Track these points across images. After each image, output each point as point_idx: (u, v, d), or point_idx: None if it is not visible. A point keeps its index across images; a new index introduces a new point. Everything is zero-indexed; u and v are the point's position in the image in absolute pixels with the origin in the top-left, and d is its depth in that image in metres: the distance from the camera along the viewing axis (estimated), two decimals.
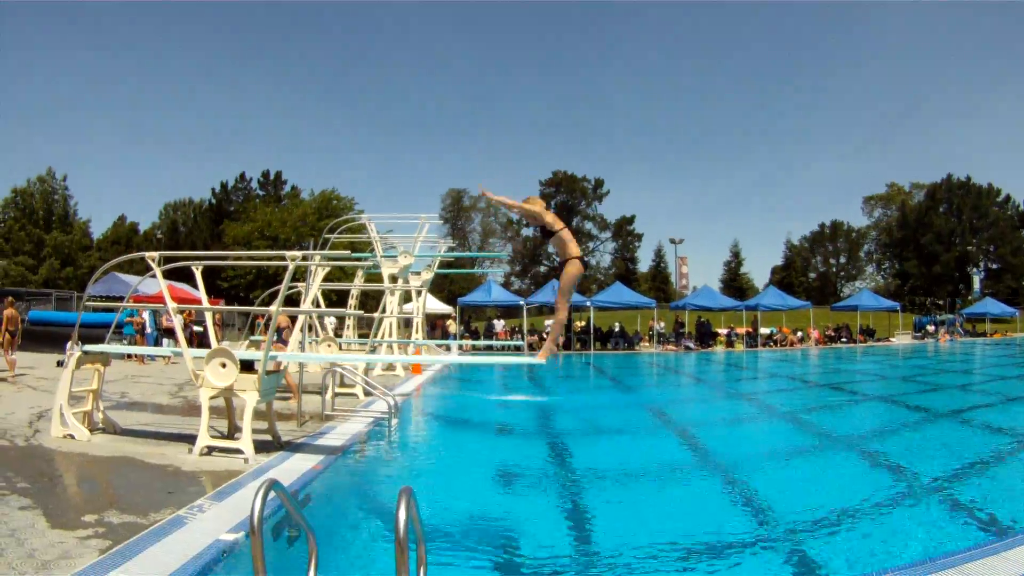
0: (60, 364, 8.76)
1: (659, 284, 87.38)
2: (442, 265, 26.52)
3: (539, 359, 6.79)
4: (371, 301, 26.44)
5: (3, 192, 65.73)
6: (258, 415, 8.01)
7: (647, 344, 38.60)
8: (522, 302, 37.47)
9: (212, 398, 7.68)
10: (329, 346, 13.81)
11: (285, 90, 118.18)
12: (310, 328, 13.63)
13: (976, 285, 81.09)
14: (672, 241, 63.80)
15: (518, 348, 32.51)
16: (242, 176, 74.72)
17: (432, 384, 17.42)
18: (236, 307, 30.55)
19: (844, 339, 42.54)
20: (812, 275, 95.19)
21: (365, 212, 28.86)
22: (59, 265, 60.34)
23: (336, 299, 33.95)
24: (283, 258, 7.88)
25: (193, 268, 8.75)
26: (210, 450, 7.51)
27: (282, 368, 8.75)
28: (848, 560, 4.74)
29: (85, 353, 8.54)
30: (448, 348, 28.53)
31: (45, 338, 21.42)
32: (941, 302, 74.90)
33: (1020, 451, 9.15)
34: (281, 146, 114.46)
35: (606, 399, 16.66)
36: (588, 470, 8.03)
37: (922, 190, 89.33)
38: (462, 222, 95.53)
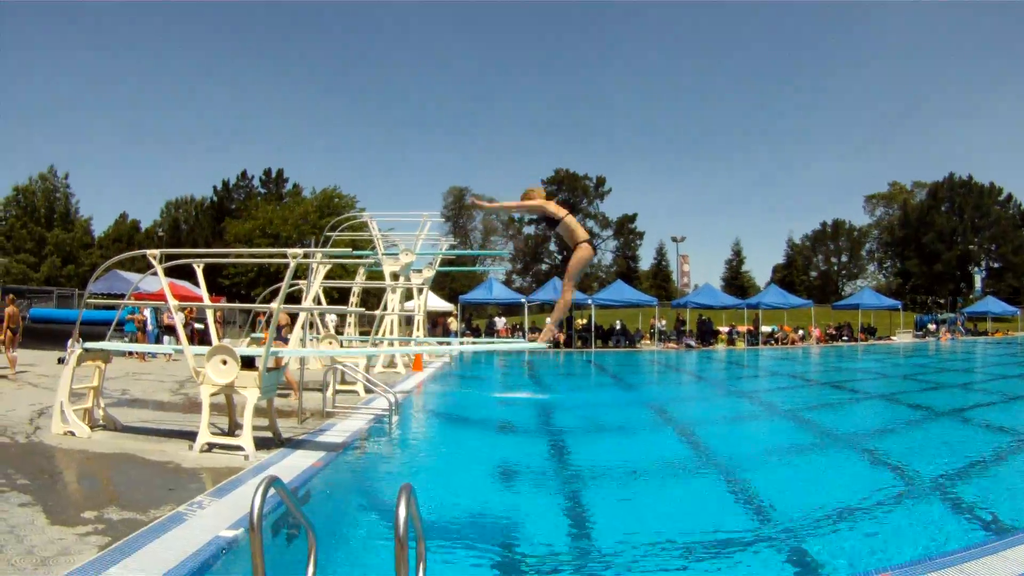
0: (61, 361, 8.77)
1: (660, 282, 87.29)
2: (443, 263, 26.55)
3: (539, 340, 6.75)
4: (372, 299, 26.47)
5: (5, 190, 65.75)
6: (259, 412, 8.00)
7: (648, 342, 38.61)
8: (523, 300, 37.48)
9: (213, 395, 7.68)
10: (330, 343, 13.80)
11: (287, 88, 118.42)
12: (311, 326, 13.62)
13: (977, 284, 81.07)
14: (674, 239, 63.71)
15: None
16: (244, 174, 74.81)
17: (433, 381, 17.42)
18: (237, 304, 30.49)
19: (845, 338, 42.53)
20: (813, 274, 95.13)
21: (367, 210, 28.81)
22: (60, 263, 60.33)
23: (337, 297, 33.98)
24: (285, 255, 7.88)
25: (194, 266, 8.74)
26: (210, 447, 7.51)
27: (283, 364, 8.75)
28: (848, 558, 4.74)
29: (86, 350, 8.53)
30: (449, 345, 28.55)
31: (46, 335, 21.42)
32: (942, 301, 74.80)
33: (1020, 450, 9.14)
34: (283, 144, 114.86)
35: (607, 397, 16.66)
36: (588, 468, 8.03)
37: (924, 189, 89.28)
38: (464, 220, 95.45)
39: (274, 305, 8.11)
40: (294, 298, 15.40)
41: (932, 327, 47.82)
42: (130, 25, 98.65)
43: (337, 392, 11.72)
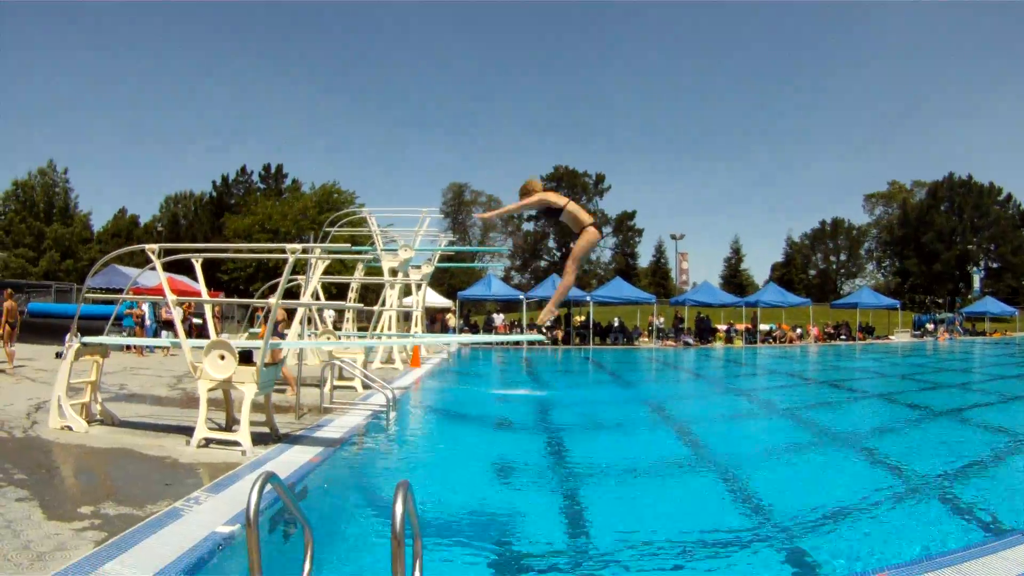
0: (59, 356, 8.75)
1: (659, 280, 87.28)
2: (442, 259, 26.52)
3: (539, 321, 6.71)
4: (371, 294, 26.48)
5: (4, 184, 65.53)
6: (256, 407, 8.00)
7: (646, 339, 38.62)
8: (522, 296, 37.51)
9: (210, 390, 7.67)
10: (328, 339, 13.80)
11: (286, 84, 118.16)
12: (309, 321, 13.61)
13: (976, 284, 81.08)
14: (673, 237, 63.88)
15: (517, 342, 32.63)
16: (243, 169, 74.68)
17: (431, 377, 17.41)
18: (236, 299, 30.51)
19: (843, 336, 42.56)
20: (812, 272, 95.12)
21: (366, 206, 28.82)
22: (59, 257, 60.27)
23: (336, 292, 33.95)
24: (283, 251, 7.87)
25: (193, 261, 8.74)
26: (208, 442, 7.50)
27: (282, 357, 8.75)
28: (846, 558, 4.74)
29: (84, 345, 8.53)
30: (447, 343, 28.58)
31: (44, 330, 21.41)
32: (941, 300, 74.93)
33: (1018, 450, 9.14)
34: (282, 139, 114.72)
35: (605, 394, 16.66)
36: (586, 465, 8.03)
37: (923, 188, 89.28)
38: (463, 216, 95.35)
39: (272, 300, 8.10)
40: (293, 293, 15.39)
41: (930, 327, 47.89)
42: (130, 22, 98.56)
43: (335, 388, 11.72)
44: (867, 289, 58.15)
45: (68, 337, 8.50)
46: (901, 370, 23.53)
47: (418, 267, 22.44)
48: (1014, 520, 5.58)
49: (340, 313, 23.46)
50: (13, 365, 14.54)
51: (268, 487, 3.21)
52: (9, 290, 16.35)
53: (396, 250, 20.05)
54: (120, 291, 19.06)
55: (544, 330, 36.39)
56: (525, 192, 6.04)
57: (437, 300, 40.16)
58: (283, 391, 12.01)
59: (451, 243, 33.28)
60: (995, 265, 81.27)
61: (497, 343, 33.15)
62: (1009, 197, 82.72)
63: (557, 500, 6.44)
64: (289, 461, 6.81)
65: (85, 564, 3.87)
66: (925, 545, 4.95)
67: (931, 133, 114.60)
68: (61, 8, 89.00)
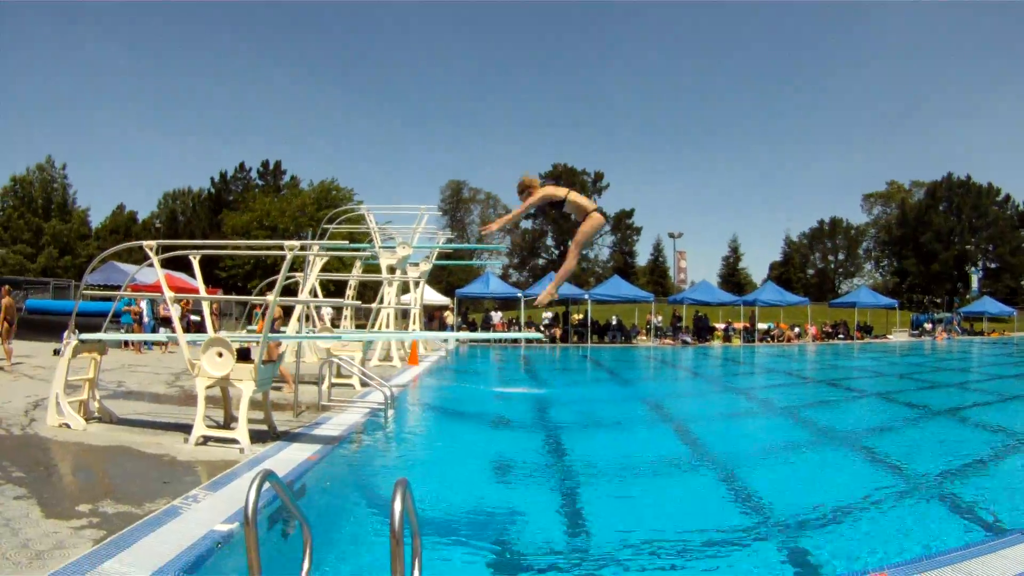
0: (57, 353, 8.73)
1: (657, 278, 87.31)
2: (440, 256, 26.54)
3: (538, 303, 6.67)
4: (369, 292, 26.45)
5: (2, 180, 65.38)
6: (254, 405, 7.99)
7: (644, 338, 38.64)
8: (520, 294, 37.51)
9: (208, 388, 7.66)
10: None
11: (285, 80, 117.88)
12: (307, 319, 13.60)
13: (974, 284, 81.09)
14: (671, 235, 64.12)
15: (515, 340, 32.64)
16: (241, 166, 74.65)
17: (428, 375, 17.42)
18: (234, 296, 30.47)
19: (841, 335, 42.60)
20: (810, 271, 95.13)
21: (364, 203, 28.81)
22: (57, 254, 60.19)
23: (334, 289, 33.95)
24: (281, 248, 7.85)
25: (191, 257, 8.73)
26: (206, 440, 7.49)
27: (280, 351, 8.74)
28: (846, 557, 4.74)
29: (82, 342, 8.51)
30: (445, 340, 28.60)
31: (42, 327, 21.36)
32: (939, 300, 74.98)
33: (1017, 450, 9.15)
34: (281, 136, 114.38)
35: (603, 392, 16.66)
36: (584, 463, 8.03)
37: (922, 188, 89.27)
38: (461, 214, 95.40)
39: (270, 297, 8.09)
40: (291, 291, 15.38)
41: (928, 326, 47.92)
42: (129, 18, 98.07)
43: (333, 385, 11.70)
44: (865, 288, 58.16)
45: (66, 334, 8.48)
46: (899, 369, 23.56)
47: (416, 264, 22.46)
48: (1014, 519, 5.59)
49: (338, 311, 23.47)
50: (11, 362, 14.52)
51: (266, 485, 3.20)
52: (7, 287, 16.32)
53: (394, 247, 20.04)
54: (118, 288, 19.01)
55: (542, 328, 36.44)
56: (524, 191, 5.99)
57: (435, 298, 40.19)
58: (279, 388, 12.00)
59: (449, 240, 33.25)
60: (993, 265, 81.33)
61: (495, 340, 33.18)
62: (1008, 198, 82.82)
63: (556, 498, 6.44)
64: (287, 459, 6.81)
65: (84, 562, 3.86)
66: (925, 544, 4.95)
67: (930, 133, 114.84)
68: (60, 4, 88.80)
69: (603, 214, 5.85)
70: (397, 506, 2.87)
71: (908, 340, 43.70)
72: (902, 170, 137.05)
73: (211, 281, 46.59)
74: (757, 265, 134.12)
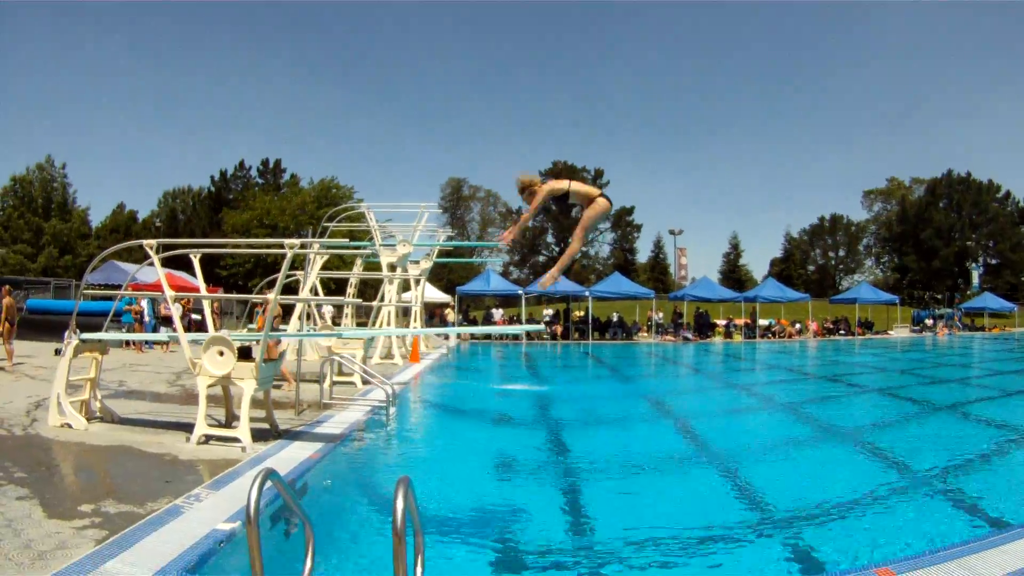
0: (58, 353, 8.73)
1: (658, 275, 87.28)
2: (441, 254, 26.54)
3: (541, 285, 6.63)
4: (370, 290, 26.46)
5: (2, 180, 65.35)
6: (256, 403, 7.99)
7: (645, 334, 38.65)
8: (520, 291, 37.51)
9: (210, 386, 7.66)
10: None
11: (285, 78, 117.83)
12: (308, 317, 13.61)
13: (975, 280, 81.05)
14: (671, 232, 64.02)
15: (516, 336, 32.65)
16: (241, 164, 74.63)
17: (430, 372, 17.42)
18: (234, 295, 30.50)
19: (842, 332, 42.59)
20: (811, 268, 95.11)
21: (364, 201, 28.78)
22: (58, 253, 60.18)
23: (335, 287, 33.97)
24: (282, 246, 7.85)
25: (191, 256, 8.72)
26: (208, 439, 7.50)
27: (281, 350, 8.74)
28: (848, 552, 4.74)
29: (83, 342, 8.51)
30: (447, 336, 28.62)
31: (43, 327, 21.36)
32: (940, 296, 74.97)
33: (1018, 444, 9.15)
34: (281, 134, 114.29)
35: (604, 389, 16.67)
36: (586, 460, 8.04)
37: (922, 185, 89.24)
38: (461, 211, 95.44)
39: (271, 296, 8.09)
40: (292, 289, 15.37)
41: (929, 322, 47.91)
42: (128, 16, 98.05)
43: (334, 383, 11.71)
44: (866, 285, 58.07)
45: (67, 334, 8.47)
46: (901, 365, 23.56)
47: (417, 262, 22.44)
48: (1016, 514, 5.59)
49: (339, 309, 23.47)
50: (12, 362, 14.53)
51: (268, 484, 3.20)
52: (7, 287, 16.32)
53: (395, 245, 20.02)
54: (119, 287, 19.01)
55: (543, 324, 36.44)
56: (526, 191, 5.93)
57: (436, 295, 40.19)
58: (279, 386, 12.00)
59: (450, 238, 33.28)
60: (994, 261, 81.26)
61: (496, 334, 33.16)
62: (1008, 194, 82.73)
63: (558, 495, 6.44)
64: (289, 457, 6.81)
65: (86, 562, 3.86)
66: (927, 539, 4.96)
67: (930, 130, 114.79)
68: (59, 4, 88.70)
69: (608, 199, 5.80)
70: (399, 504, 2.87)
71: (909, 336, 43.71)
72: (902, 167, 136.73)
73: (212, 280, 46.61)
74: (758, 261, 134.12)
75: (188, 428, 7.73)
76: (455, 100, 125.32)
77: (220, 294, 28.23)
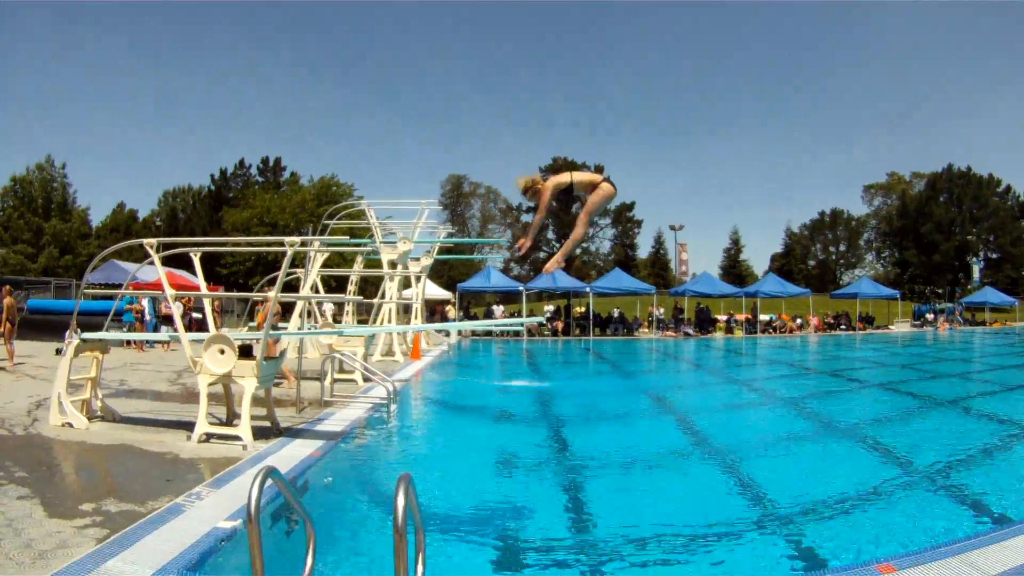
0: (59, 352, 8.74)
1: (658, 270, 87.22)
2: (441, 251, 26.52)
3: (546, 270, 6.56)
4: (370, 287, 26.46)
5: (2, 180, 65.18)
6: (256, 401, 7.99)
7: (646, 330, 38.64)
8: (521, 288, 37.52)
9: (210, 385, 7.66)
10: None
11: (284, 77, 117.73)
12: (309, 315, 13.59)
13: (976, 275, 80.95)
14: (672, 227, 63.71)
15: (517, 333, 32.67)
16: (241, 162, 74.43)
17: (431, 370, 17.42)
18: (235, 293, 30.52)
19: (843, 326, 42.57)
20: (812, 263, 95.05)
21: (364, 198, 28.79)
22: (58, 253, 60.09)
23: (335, 285, 33.97)
24: (282, 244, 7.84)
25: (192, 255, 8.72)
26: (208, 437, 7.50)
27: (281, 348, 8.73)
28: (851, 548, 4.74)
29: (83, 341, 8.51)
30: (447, 333, 28.61)
31: (44, 326, 21.36)
32: (941, 291, 74.94)
33: (1020, 440, 9.14)
34: (280, 132, 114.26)
35: (605, 385, 16.67)
36: (588, 456, 8.04)
37: (922, 179, 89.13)
38: (462, 208, 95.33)
39: (271, 293, 8.08)
40: (292, 287, 15.36)
41: (930, 317, 47.88)
42: (128, 15, 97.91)
43: (335, 381, 11.71)
44: (867, 279, 58.03)
45: (68, 333, 8.47)
46: (902, 360, 23.55)
47: (417, 259, 22.43)
48: (1018, 510, 5.58)
49: (340, 306, 23.47)
50: (13, 362, 14.53)
51: (269, 482, 3.20)
52: (8, 287, 16.32)
53: (395, 242, 20.02)
54: (119, 286, 19.00)
55: (544, 321, 36.43)
56: (529, 191, 5.88)
57: (437, 292, 40.17)
58: (279, 384, 11.99)
59: (450, 235, 33.29)
60: (994, 256, 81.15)
61: (497, 328, 33.16)
62: (1008, 188, 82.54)
63: (559, 492, 6.44)
64: (290, 455, 6.81)
65: (87, 561, 3.86)
66: (928, 535, 4.95)
67: (930, 125, 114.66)
68: (59, 3, 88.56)
69: (612, 183, 5.76)
70: (400, 501, 2.87)
71: (910, 331, 43.67)
72: (903, 161, 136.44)
73: (212, 278, 46.64)
74: (758, 257, 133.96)
75: (189, 427, 7.73)
76: (455, 97, 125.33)
77: (221, 292, 28.19)
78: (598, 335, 36.32)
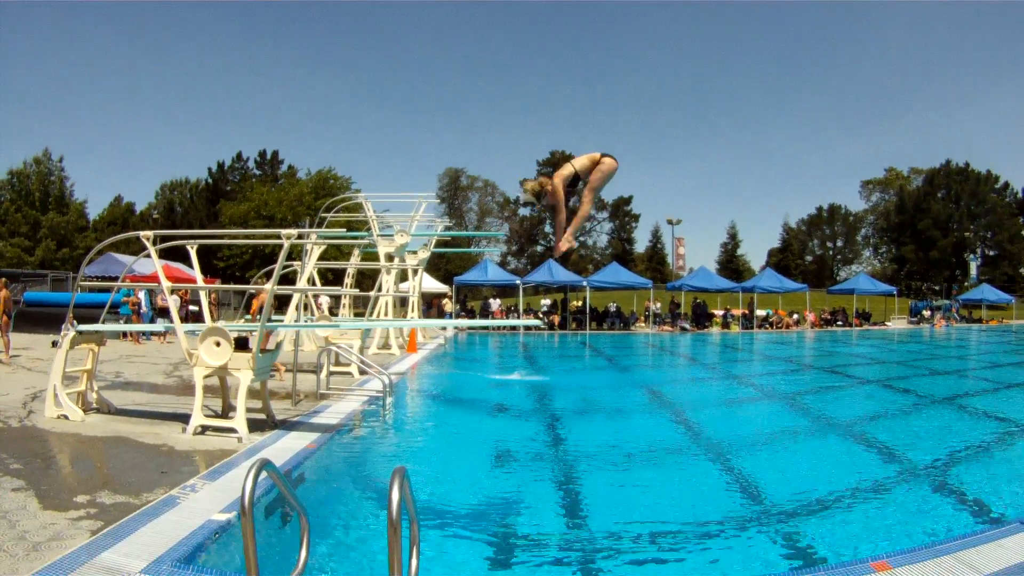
0: (55, 344, 8.73)
1: (656, 265, 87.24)
2: (438, 244, 26.53)
3: (557, 253, 6.51)
4: (367, 280, 26.45)
5: None
6: (252, 394, 7.99)
7: (643, 324, 38.68)
8: (518, 281, 37.54)
9: (206, 377, 7.65)
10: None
11: (282, 69, 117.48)
12: (305, 307, 13.58)
13: (973, 271, 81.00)
14: (669, 222, 63.77)
15: (513, 327, 32.67)
16: (239, 156, 74.19)
17: (427, 362, 17.41)
18: (232, 286, 30.47)
19: (840, 322, 42.63)
20: (809, 258, 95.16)
21: (362, 191, 28.72)
22: (55, 246, 59.86)
23: (332, 278, 33.96)
24: (279, 236, 7.82)
25: (188, 247, 8.70)
26: (204, 429, 7.50)
27: (278, 341, 8.72)
28: (846, 545, 4.74)
29: (80, 333, 8.49)
30: (444, 327, 28.60)
31: (40, 319, 21.31)
32: (938, 287, 75.02)
33: (1017, 438, 9.15)
34: (278, 125, 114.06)
35: (601, 379, 16.65)
36: (583, 451, 8.02)
37: (920, 175, 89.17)
38: (459, 201, 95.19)
39: (268, 286, 8.07)
40: (289, 279, 15.34)
41: (927, 313, 47.95)
42: (125, 8, 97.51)
43: (331, 374, 11.70)
44: (864, 275, 58.16)
45: (64, 326, 8.46)
46: (898, 356, 23.58)
47: (414, 252, 22.43)
48: (1013, 509, 5.59)
49: (336, 299, 23.47)
50: (9, 355, 14.50)
51: (264, 474, 3.19)
52: (4, 279, 16.27)
53: (392, 235, 20.01)
54: (116, 279, 18.97)
55: (540, 315, 36.48)
56: (543, 196, 5.84)
57: (433, 285, 40.17)
58: (272, 376, 11.99)
59: (447, 228, 33.26)
60: (992, 253, 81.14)
61: (494, 327, 33.19)
62: (1006, 185, 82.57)
63: (555, 486, 6.43)
64: (286, 447, 6.80)
65: (81, 553, 3.85)
66: (924, 533, 4.96)
67: (928, 121, 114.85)
68: None
69: (613, 157, 5.73)
70: (395, 494, 2.86)
71: (907, 327, 43.75)
72: (901, 157, 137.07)
73: (209, 271, 46.57)
74: (755, 252, 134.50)
75: (184, 419, 7.72)
76: (452, 90, 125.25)
77: (217, 285, 28.15)
78: (594, 329, 36.36)
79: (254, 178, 71.07)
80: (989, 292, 52.82)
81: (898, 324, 45.01)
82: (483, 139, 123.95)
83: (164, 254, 8.45)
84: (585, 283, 37.69)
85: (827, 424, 10.29)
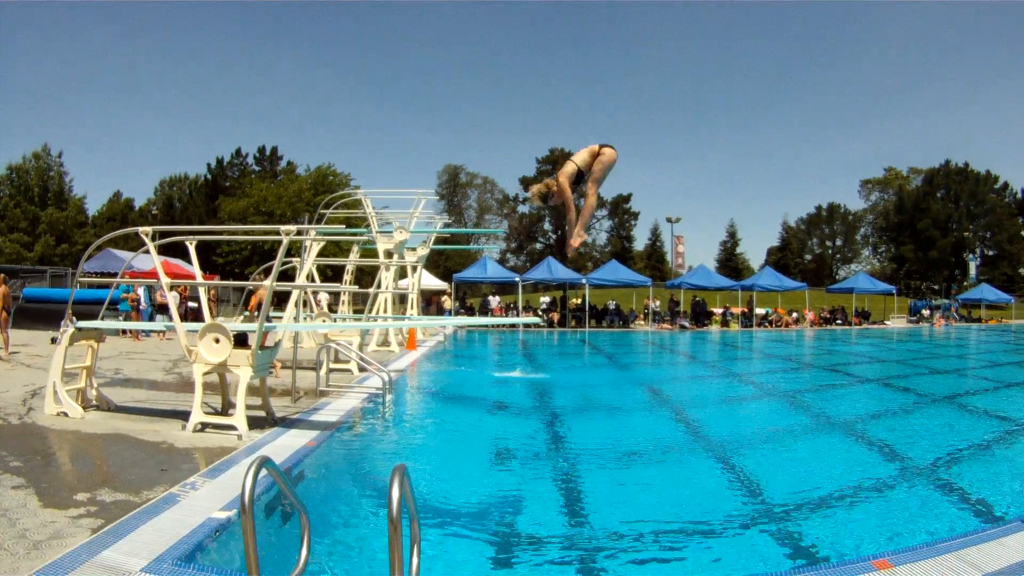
0: (54, 341, 8.72)
1: (655, 263, 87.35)
2: (438, 241, 26.52)
3: (570, 249, 6.48)
4: (366, 277, 26.43)
5: None
6: (252, 391, 7.97)
7: (642, 322, 38.68)
8: (518, 279, 37.53)
9: (206, 374, 7.63)
10: (324, 322, 13.76)
11: (281, 65, 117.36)
12: (304, 304, 13.58)
13: (972, 271, 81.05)
14: (669, 220, 63.96)
15: (512, 324, 32.69)
16: (238, 152, 74.26)
17: (427, 360, 17.40)
18: (231, 282, 30.42)
19: (839, 321, 42.64)
20: (808, 257, 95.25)
21: (361, 188, 28.72)
22: (54, 242, 59.81)
23: (332, 275, 33.94)
24: (278, 233, 7.80)
25: (187, 243, 8.68)
26: (204, 427, 7.48)
27: (277, 339, 8.71)
28: (847, 543, 4.74)
29: (79, 330, 8.47)
30: (443, 326, 28.59)
31: (40, 315, 21.31)
32: (937, 287, 75.07)
33: (1017, 436, 9.15)
34: (277, 122, 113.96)
35: (601, 377, 16.64)
36: (584, 448, 8.02)
37: (920, 175, 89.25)
38: (458, 198, 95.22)
39: (267, 283, 8.05)
40: (288, 276, 15.33)
41: (926, 313, 47.97)
42: (124, 3, 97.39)
43: (331, 371, 11.69)
44: (863, 274, 58.19)
45: (63, 322, 8.44)
46: (898, 355, 23.59)
47: (413, 249, 22.42)
48: (1015, 507, 5.59)
49: (336, 295, 23.46)
50: (8, 351, 14.48)
51: (264, 472, 3.18)
52: (3, 275, 16.25)
53: (391, 232, 20.00)
54: (115, 275, 18.95)
55: (540, 312, 36.49)
56: (550, 196, 5.85)
57: (433, 282, 40.17)
58: (269, 373, 11.98)
59: (446, 225, 33.25)
60: (991, 253, 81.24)
61: (493, 326, 33.20)
62: (1006, 185, 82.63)
63: (556, 484, 6.43)
64: (285, 445, 6.79)
65: (82, 552, 3.84)
66: (925, 531, 4.96)
67: (928, 121, 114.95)
68: None
69: (612, 147, 5.72)
70: (395, 492, 2.85)
71: (906, 326, 43.75)
72: (900, 157, 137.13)
73: (208, 267, 46.51)
74: (755, 250, 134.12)
75: (184, 416, 7.71)
76: (452, 87, 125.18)
77: (217, 281, 28.13)
78: (594, 327, 36.37)
79: (253, 174, 71.10)
80: (988, 292, 52.83)
81: (897, 323, 45.01)
82: (482, 137, 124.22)
83: (163, 250, 8.43)
84: (584, 280, 37.70)
85: (827, 422, 10.29)
